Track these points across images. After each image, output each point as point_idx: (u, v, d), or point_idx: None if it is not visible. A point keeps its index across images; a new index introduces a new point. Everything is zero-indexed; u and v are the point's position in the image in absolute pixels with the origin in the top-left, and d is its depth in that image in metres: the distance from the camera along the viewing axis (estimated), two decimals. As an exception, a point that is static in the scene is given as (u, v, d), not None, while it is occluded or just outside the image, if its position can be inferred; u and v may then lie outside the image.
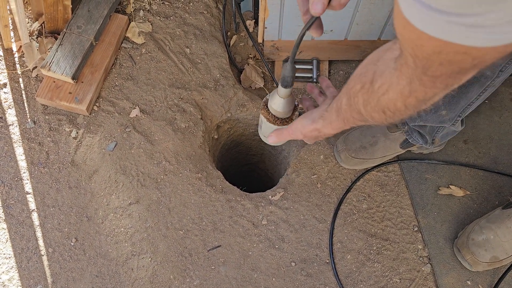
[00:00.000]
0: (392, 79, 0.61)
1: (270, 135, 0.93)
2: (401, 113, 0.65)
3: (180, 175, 1.41)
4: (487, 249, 1.28)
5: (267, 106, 0.88)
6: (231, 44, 1.72)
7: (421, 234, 1.38)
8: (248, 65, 1.74)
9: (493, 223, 1.30)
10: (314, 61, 1.76)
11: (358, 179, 1.43)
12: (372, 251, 1.35)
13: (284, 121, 0.88)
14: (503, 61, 1.05)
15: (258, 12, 1.57)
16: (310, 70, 1.75)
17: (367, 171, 1.44)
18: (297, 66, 1.75)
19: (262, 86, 1.72)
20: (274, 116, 0.87)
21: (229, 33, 1.72)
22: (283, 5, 1.44)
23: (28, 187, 1.39)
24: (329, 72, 1.77)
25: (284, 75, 0.81)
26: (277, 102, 0.84)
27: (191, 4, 1.64)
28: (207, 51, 1.58)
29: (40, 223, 1.35)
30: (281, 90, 0.82)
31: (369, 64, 0.68)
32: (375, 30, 1.59)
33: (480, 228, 1.31)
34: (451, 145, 1.49)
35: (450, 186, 1.43)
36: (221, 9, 1.69)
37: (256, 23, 1.74)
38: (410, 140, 1.37)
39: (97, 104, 1.49)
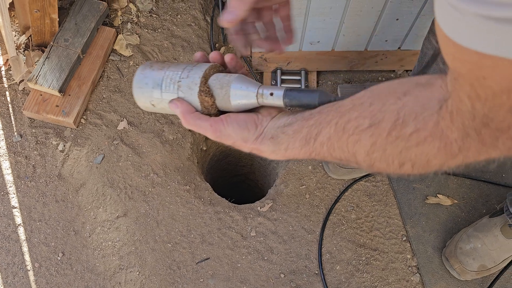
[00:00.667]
0: (436, 128, 0.44)
1: (184, 113, 0.62)
2: (426, 170, 0.48)
3: (168, 187, 1.41)
4: (475, 257, 1.28)
5: (207, 86, 0.60)
6: (219, 56, 1.72)
7: (410, 244, 1.38)
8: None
9: (481, 231, 1.30)
10: (302, 72, 1.77)
11: (346, 189, 1.43)
12: (361, 262, 1.34)
13: (222, 113, 0.62)
14: None
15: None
16: (299, 81, 1.76)
17: (355, 181, 1.44)
18: (285, 77, 1.77)
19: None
20: (216, 105, 0.61)
21: (217, 45, 1.72)
22: (270, 17, 1.45)
23: (14, 201, 1.38)
24: (317, 82, 1.78)
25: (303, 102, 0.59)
26: (249, 96, 0.59)
27: (179, 16, 1.65)
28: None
29: (26, 237, 1.34)
30: (275, 96, 0.59)
31: (388, 97, 0.48)
32: (362, 40, 1.60)
33: (468, 237, 1.31)
34: None
35: (438, 195, 1.44)
36: (209, 21, 1.69)
37: (244, 34, 1.75)
38: None
39: (84, 117, 1.48)
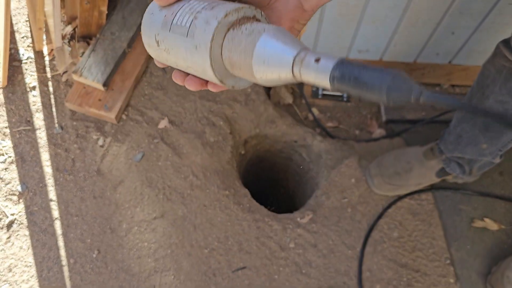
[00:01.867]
0: None
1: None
2: None
3: (207, 191, 1.38)
4: None
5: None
6: (262, 58, 1.69)
7: (453, 268, 1.33)
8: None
9: None
10: (346, 80, 1.72)
11: (389, 206, 1.38)
12: (402, 282, 1.30)
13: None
14: None
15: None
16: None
17: (399, 198, 1.40)
18: (326, 91, 1.72)
19: (290, 102, 1.69)
20: (233, 62, 0.42)
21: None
22: (322, 21, 1.41)
23: (52, 194, 1.36)
24: (360, 91, 1.73)
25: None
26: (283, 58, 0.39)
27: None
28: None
29: (62, 232, 1.32)
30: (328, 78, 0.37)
31: None
32: (412, 52, 1.55)
33: None
34: (487, 176, 1.44)
35: (485, 218, 1.39)
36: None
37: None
38: (447, 170, 1.33)
39: (125, 112, 1.46)
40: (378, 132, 1.66)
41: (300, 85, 1.72)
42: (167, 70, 1.52)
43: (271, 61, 0.39)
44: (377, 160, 1.44)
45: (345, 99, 1.71)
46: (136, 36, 1.50)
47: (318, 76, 0.37)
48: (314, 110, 1.71)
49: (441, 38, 1.47)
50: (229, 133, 1.47)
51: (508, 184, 1.44)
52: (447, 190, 1.42)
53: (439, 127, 1.52)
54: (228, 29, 0.42)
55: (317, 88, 1.71)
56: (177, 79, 0.49)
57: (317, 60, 0.37)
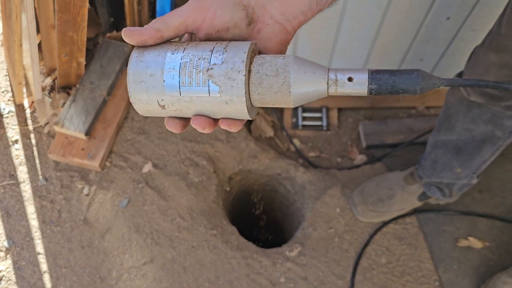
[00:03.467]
0: None
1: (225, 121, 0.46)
2: None
3: (195, 232, 1.39)
4: None
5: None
6: (241, 95, 1.73)
7: (443, 289, 1.35)
8: (257, 114, 1.74)
9: None
10: (323, 109, 1.77)
11: (375, 232, 1.41)
12: (393, 308, 1.31)
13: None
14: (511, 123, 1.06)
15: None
16: (320, 118, 1.76)
17: (384, 224, 1.42)
18: (306, 115, 1.76)
19: (272, 135, 1.72)
20: (264, 100, 0.45)
21: (239, 84, 1.73)
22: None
23: (39, 247, 1.36)
24: (339, 119, 1.78)
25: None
26: (317, 83, 0.43)
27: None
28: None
29: (52, 285, 1.31)
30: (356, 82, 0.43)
31: None
32: (385, 80, 1.61)
33: (502, 284, 1.28)
34: (467, 195, 1.48)
35: (469, 237, 1.41)
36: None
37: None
38: (428, 194, 1.36)
39: (109, 159, 1.47)
40: (359, 158, 1.70)
41: (280, 118, 1.76)
42: (148, 114, 1.55)
43: (308, 92, 0.43)
44: (359, 188, 1.47)
45: (324, 128, 1.75)
46: (115, 84, 1.53)
47: (355, 91, 0.43)
48: (296, 141, 1.75)
49: (411, 65, 1.53)
50: (213, 171, 1.50)
51: (488, 201, 1.48)
52: (430, 212, 1.45)
53: (418, 149, 1.57)
54: (249, 72, 0.43)
55: (297, 119, 1.75)
56: (172, 127, 0.47)
57: (350, 79, 0.42)
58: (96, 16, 1.61)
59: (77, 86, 1.49)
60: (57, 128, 1.43)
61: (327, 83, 0.43)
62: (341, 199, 1.46)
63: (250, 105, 0.44)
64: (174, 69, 0.43)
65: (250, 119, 0.45)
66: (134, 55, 0.45)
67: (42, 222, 1.39)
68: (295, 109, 1.77)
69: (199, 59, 0.43)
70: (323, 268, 1.35)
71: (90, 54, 1.58)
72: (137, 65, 0.45)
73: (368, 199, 1.41)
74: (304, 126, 1.75)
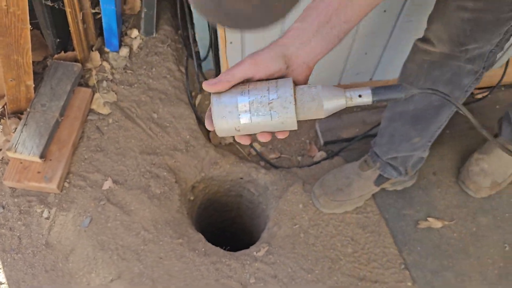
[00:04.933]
0: None
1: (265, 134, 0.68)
2: None
3: (161, 243, 1.38)
4: (485, 175, 1.48)
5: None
6: (197, 104, 1.74)
7: (409, 271, 1.38)
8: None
9: (485, 153, 1.50)
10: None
11: (339, 223, 1.44)
12: (363, 295, 1.34)
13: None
14: (469, 80, 1.11)
15: (220, 70, 1.61)
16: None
17: (346, 214, 1.45)
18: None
19: (232, 141, 1.74)
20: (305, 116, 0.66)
21: (193, 93, 1.74)
22: (245, 63, 1.48)
23: (1, 277, 1.32)
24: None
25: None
26: (340, 102, 0.64)
27: (153, 69, 1.66)
28: (174, 114, 1.60)
29: (17, 314, 1.28)
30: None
31: None
32: (335, 76, 1.65)
33: (476, 160, 1.50)
34: (422, 178, 1.54)
35: (428, 218, 1.46)
36: (184, 71, 1.72)
37: (219, 81, 1.78)
38: (384, 175, 1.41)
39: (67, 180, 1.45)
40: (319, 155, 1.73)
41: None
42: (104, 131, 1.54)
43: (334, 107, 0.64)
44: (319, 181, 1.50)
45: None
46: (67, 104, 1.52)
47: (364, 102, 0.64)
48: (256, 144, 1.77)
49: (357, 60, 1.59)
50: (175, 182, 1.50)
51: (443, 181, 1.54)
52: (390, 199, 1.49)
53: (372, 140, 1.61)
54: (295, 100, 0.64)
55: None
56: (243, 141, 0.69)
57: (360, 96, 0.63)
58: (43, 38, 1.60)
59: (28, 109, 1.47)
60: (10, 154, 1.41)
61: (345, 100, 0.63)
62: (303, 195, 1.48)
63: (296, 121, 0.64)
64: (245, 105, 0.63)
65: (296, 129, 0.65)
66: (214, 98, 0.65)
67: (2, 251, 1.35)
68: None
69: (261, 96, 0.63)
70: (292, 265, 1.37)
71: (39, 77, 1.56)
72: (218, 106, 0.64)
73: (328, 190, 1.44)
74: (262, 129, 1.78)
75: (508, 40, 1.03)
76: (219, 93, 0.65)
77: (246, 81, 0.67)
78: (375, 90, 0.64)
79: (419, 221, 1.46)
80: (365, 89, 0.64)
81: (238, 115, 0.63)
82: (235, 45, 1.41)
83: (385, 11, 1.38)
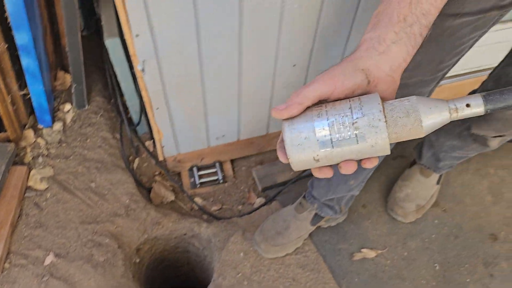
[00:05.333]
0: None
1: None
2: None
3: (108, 311, 1.39)
4: (410, 200, 1.61)
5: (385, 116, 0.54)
6: (135, 168, 1.80)
7: (349, 303, 1.46)
8: (155, 182, 1.82)
9: (406, 180, 1.63)
10: (217, 164, 1.88)
11: (279, 266, 1.50)
12: (309, 333, 1.39)
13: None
14: None
15: (152, 133, 1.69)
16: (215, 173, 1.87)
17: (286, 256, 1.53)
18: (202, 172, 1.87)
19: (173, 199, 1.80)
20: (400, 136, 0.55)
21: (131, 158, 1.80)
22: (173, 124, 1.57)
23: None
24: (233, 170, 1.90)
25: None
26: (442, 114, 0.54)
27: (88, 140, 1.72)
28: (112, 180, 1.65)
29: None
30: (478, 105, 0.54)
31: None
32: (262, 126, 1.77)
33: (400, 187, 1.63)
34: (353, 212, 1.64)
35: (362, 250, 1.56)
36: (119, 137, 1.78)
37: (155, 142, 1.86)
38: (321, 214, 1.50)
39: (8, 260, 1.45)
40: (258, 201, 1.82)
41: (179, 180, 1.85)
42: (43, 207, 1.56)
43: (435, 123, 0.54)
44: (259, 228, 1.58)
45: (221, 181, 1.86)
46: (3, 184, 1.54)
47: (474, 113, 0.53)
48: (198, 199, 1.84)
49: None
50: (118, 247, 1.53)
51: (372, 212, 1.65)
52: (325, 235, 1.59)
53: (305, 182, 1.72)
54: (385, 116, 0.54)
55: (194, 179, 1.85)
56: (323, 174, 0.58)
57: (468, 105, 0.53)
58: (-27, 122, 1.63)
59: (-38, 195, 1.48)
60: None
61: (449, 112, 0.54)
62: (243, 244, 1.55)
63: (389, 144, 0.54)
64: (324, 129, 0.54)
65: (389, 153, 0.55)
66: (286, 125, 0.55)
67: None
68: (191, 169, 1.87)
69: (342, 117, 0.54)
70: (238, 313, 1.41)
71: (-28, 161, 1.58)
72: (291, 132, 0.55)
73: (267, 235, 1.51)
74: (202, 183, 1.85)
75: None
76: (291, 118, 0.56)
77: (321, 103, 0.58)
78: (488, 96, 0.53)
79: (353, 253, 1.55)
80: (474, 97, 0.53)
81: (316, 140, 0.54)
82: (162, 110, 1.50)
83: (294, 65, 1.51)
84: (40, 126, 1.70)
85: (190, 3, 1.14)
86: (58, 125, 1.71)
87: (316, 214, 1.52)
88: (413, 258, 1.56)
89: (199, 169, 1.88)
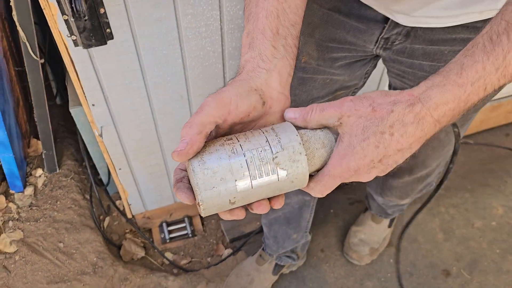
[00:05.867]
0: None
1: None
2: None
3: None
4: (364, 244, 1.69)
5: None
6: (105, 226, 1.88)
7: None
8: (126, 239, 1.89)
9: (360, 225, 1.73)
10: (186, 219, 1.97)
11: (242, 314, 1.56)
12: None
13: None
14: None
15: (119, 192, 1.78)
16: (185, 228, 1.95)
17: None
18: (172, 227, 1.95)
19: (144, 255, 1.86)
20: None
21: (101, 217, 1.88)
22: (138, 183, 1.68)
23: None
24: (202, 223, 1.98)
25: None
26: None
27: (58, 202, 1.80)
28: (80, 240, 1.72)
29: None
30: None
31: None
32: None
33: (354, 232, 1.71)
34: (312, 256, 1.72)
35: (321, 293, 1.63)
36: (89, 198, 1.87)
37: (125, 202, 1.95)
38: (281, 264, 1.58)
39: (-24, 325, 1.49)
40: (226, 252, 1.89)
41: (150, 236, 1.92)
42: (11, 269, 1.62)
43: None
44: (224, 284, 1.64)
45: (190, 235, 1.94)
46: (-27, 250, 1.60)
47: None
48: (168, 254, 1.90)
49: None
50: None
51: (330, 256, 1.73)
52: (285, 281, 1.65)
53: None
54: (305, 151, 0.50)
55: (164, 234, 1.93)
56: (238, 216, 0.53)
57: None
58: None
59: None
60: None
61: None
62: (208, 298, 1.61)
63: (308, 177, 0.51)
64: (242, 166, 0.48)
65: (306, 186, 0.52)
66: (195, 165, 0.48)
67: None
68: (161, 225, 1.95)
69: (261, 151, 0.48)
70: None
71: None
72: (204, 174, 0.48)
73: (233, 291, 1.58)
74: (172, 238, 1.93)
75: None
76: (200, 156, 0.49)
77: (220, 130, 0.54)
78: None
79: (314, 297, 1.62)
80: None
81: (234, 181, 0.48)
82: (124, 171, 1.61)
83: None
84: (12, 191, 1.79)
85: (139, 74, 1.28)
86: (29, 190, 1.80)
87: (276, 264, 1.60)
88: (371, 298, 1.63)
89: (168, 224, 1.96)
